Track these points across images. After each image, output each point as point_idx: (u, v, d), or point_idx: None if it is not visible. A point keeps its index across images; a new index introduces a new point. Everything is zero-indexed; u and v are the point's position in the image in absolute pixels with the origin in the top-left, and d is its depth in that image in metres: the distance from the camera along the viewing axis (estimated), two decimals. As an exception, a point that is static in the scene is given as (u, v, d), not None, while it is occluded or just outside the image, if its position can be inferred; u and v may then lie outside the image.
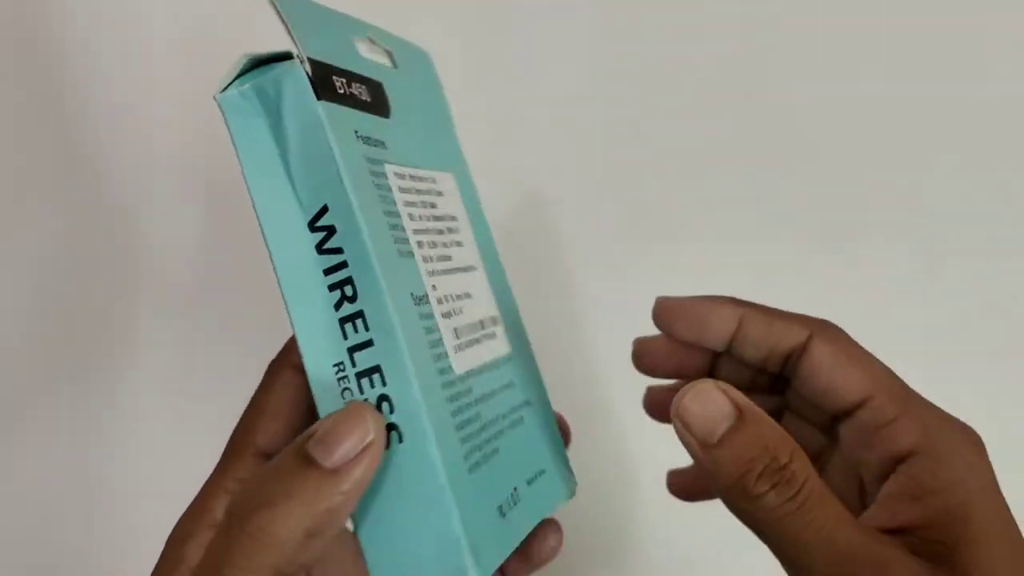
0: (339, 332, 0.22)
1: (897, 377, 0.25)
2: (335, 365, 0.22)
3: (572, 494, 0.29)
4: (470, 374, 0.25)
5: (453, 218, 0.28)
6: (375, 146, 0.24)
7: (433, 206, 0.27)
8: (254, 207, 0.23)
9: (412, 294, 0.23)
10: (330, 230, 0.22)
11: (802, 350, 0.26)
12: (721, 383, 0.23)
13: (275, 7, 0.22)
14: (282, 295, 0.22)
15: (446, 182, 0.29)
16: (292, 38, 0.22)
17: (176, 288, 0.46)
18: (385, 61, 0.28)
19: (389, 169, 0.25)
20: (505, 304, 0.30)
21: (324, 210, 0.22)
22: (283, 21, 0.22)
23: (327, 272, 0.22)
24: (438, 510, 0.21)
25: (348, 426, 0.21)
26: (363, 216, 0.22)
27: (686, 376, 0.29)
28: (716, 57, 0.43)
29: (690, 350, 0.29)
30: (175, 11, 0.46)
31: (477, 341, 0.26)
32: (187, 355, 0.46)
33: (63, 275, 0.46)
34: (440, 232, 0.27)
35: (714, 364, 0.29)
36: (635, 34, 0.44)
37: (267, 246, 0.22)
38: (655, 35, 0.44)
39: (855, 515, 0.22)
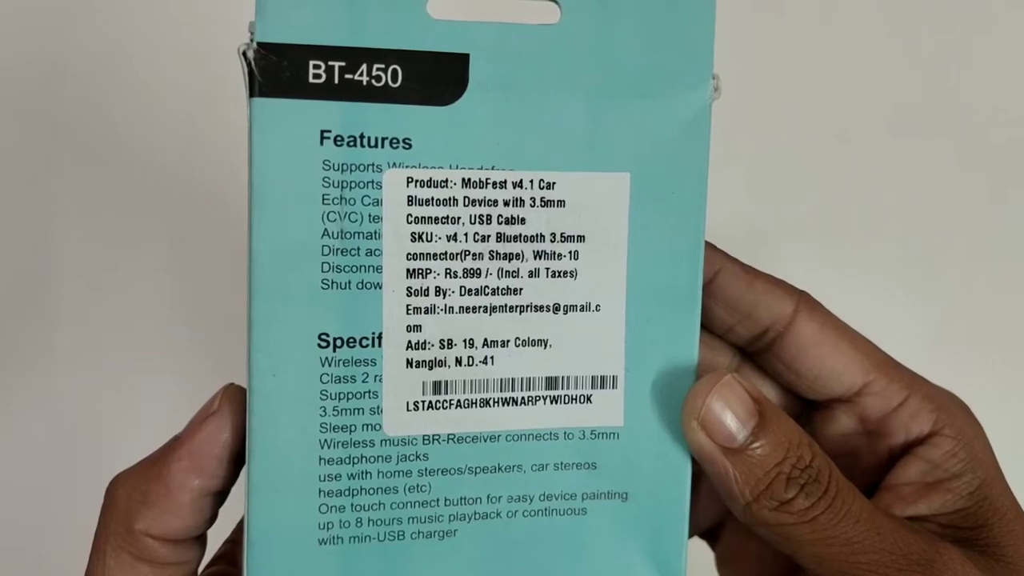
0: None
1: (885, 352, 0.23)
2: None
3: None
4: (440, 440, 0.21)
5: (570, 238, 0.21)
6: (374, 147, 0.20)
7: (515, 221, 0.21)
8: None
9: (323, 335, 0.20)
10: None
11: (785, 325, 0.23)
12: (735, 375, 0.21)
13: None
14: None
15: (590, 187, 0.21)
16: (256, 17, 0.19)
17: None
18: (543, 12, 0.21)
19: (396, 176, 0.20)
20: (656, 364, 0.22)
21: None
22: None
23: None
24: (244, 563, 0.20)
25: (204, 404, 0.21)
26: (258, 244, 0.20)
27: None
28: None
29: None
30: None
31: (511, 402, 0.21)
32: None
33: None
34: (510, 257, 0.21)
35: None
36: None
37: None
38: None
39: None
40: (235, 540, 0.24)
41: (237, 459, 0.21)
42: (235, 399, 0.20)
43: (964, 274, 0.45)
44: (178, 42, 0.41)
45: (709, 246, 0.23)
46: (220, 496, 0.21)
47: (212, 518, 0.21)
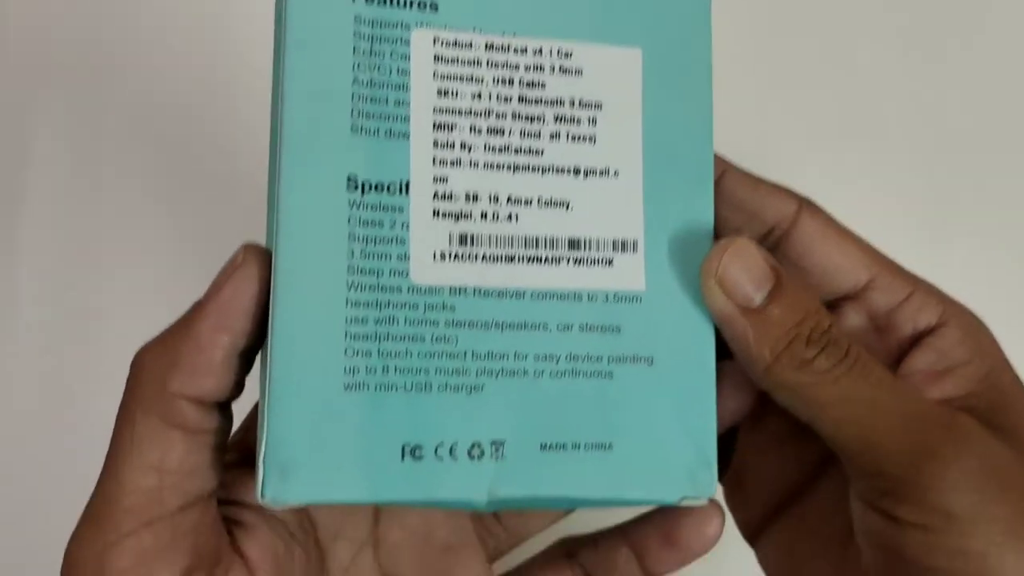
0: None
1: (885, 254, 0.24)
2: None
3: (691, 499, 0.22)
4: (466, 292, 0.21)
5: (588, 105, 0.22)
6: (403, 8, 0.21)
7: (535, 85, 0.22)
8: None
9: (352, 178, 0.20)
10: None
11: (790, 224, 0.23)
12: (751, 239, 0.21)
13: None
14: None
15: (605, 59, 0.22)
16: None
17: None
18: None
19: (420, 36, 0.21)
20: (675, 232, 0.22)
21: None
22: None
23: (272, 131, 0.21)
24: (262, 411, 0.20)
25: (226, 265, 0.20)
26: (289, 84, 0.20)
27: None
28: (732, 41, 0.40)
29: None
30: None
31: (535, 260, 0.22)
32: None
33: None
34: (532, 119, 0.22)
35: None
36: None
37: None
38: None
39: None
40: (248, 427, 0.23)
41: (263, 315, 0.20)
42: (258, 255, 0.20)
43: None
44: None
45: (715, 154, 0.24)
46: (248, 357, 0.21)
47: (240, 384, 0.21)
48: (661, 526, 0.24)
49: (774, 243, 0.24)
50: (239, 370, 0.21)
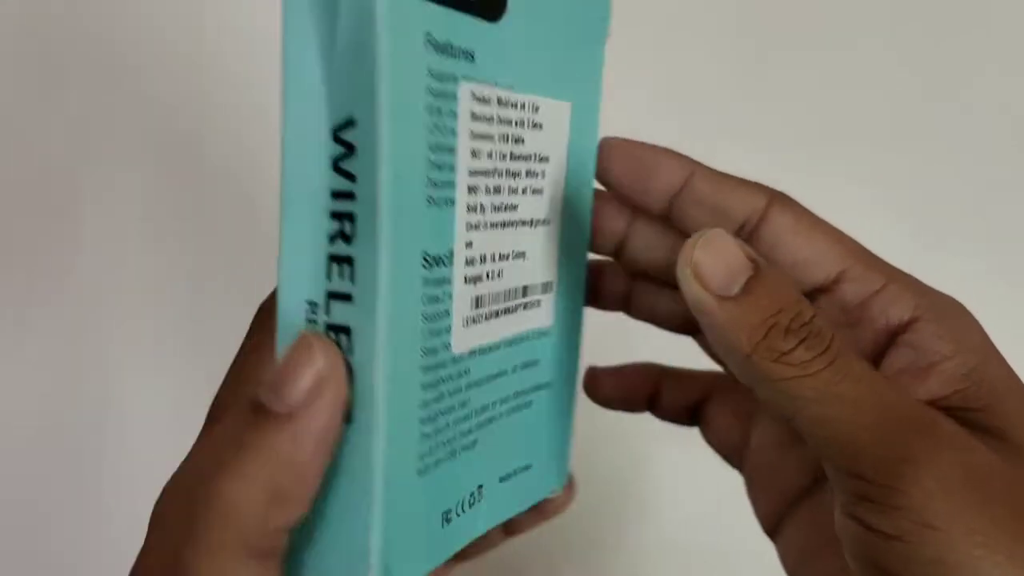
0: (324, 268, 0.18)
1: (862, 245, 0.23)
2: (309, 303, 0.18)
3: (557, 490, 0.27)
4: (475, 353, 0.21)
5: (543, 159, 0.23)
6: (454, 58, 0.19)
7: (519, 141, 0.22)
8: (283, 101, 0.18)
9: (426, 255, 0.19)
10: (350, 148, 0.18)
11: (760, 219, 0.23)
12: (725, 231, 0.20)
13: None
14: (280, 202, 0.18)
15: (556, 113, 0.23)
16: None
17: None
18: None
19: (465, 90, 0.20)
20: (569, 269, 0.25)
21: (350, 123, 0.18)
22: None
23: (335, 196, 0.18)
24: (358, 517, 0.18)
25: (298, 360, 0.18)
26: (389, 149, 0.17)
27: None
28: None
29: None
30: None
31: (507, 312, 0.22)
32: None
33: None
34: (515, 175, 0.22)
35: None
36: None
37: (282, 147, 0.18)
38: None
39: None
40: None
41: None
42: (339, 360, 0.18)
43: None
44: None
45: (679, 155, 0.24)
46: None
47: None
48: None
49: (744, 240, 0.22)
50: None
